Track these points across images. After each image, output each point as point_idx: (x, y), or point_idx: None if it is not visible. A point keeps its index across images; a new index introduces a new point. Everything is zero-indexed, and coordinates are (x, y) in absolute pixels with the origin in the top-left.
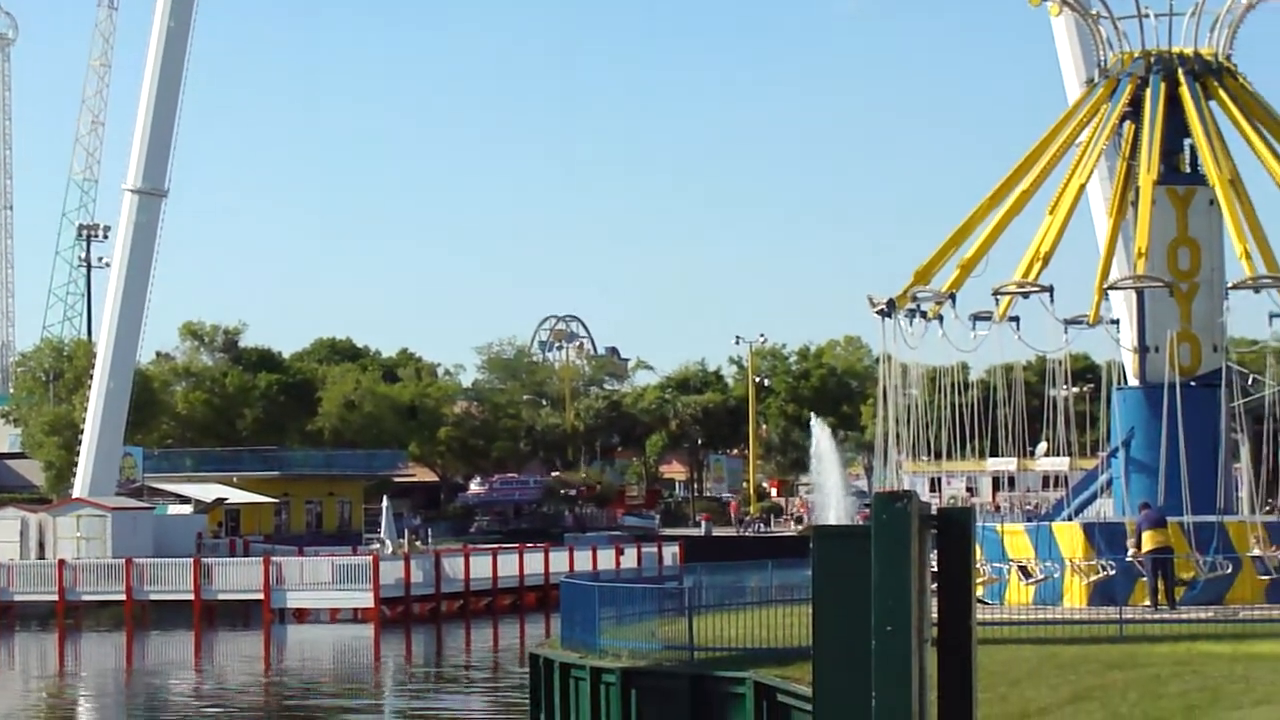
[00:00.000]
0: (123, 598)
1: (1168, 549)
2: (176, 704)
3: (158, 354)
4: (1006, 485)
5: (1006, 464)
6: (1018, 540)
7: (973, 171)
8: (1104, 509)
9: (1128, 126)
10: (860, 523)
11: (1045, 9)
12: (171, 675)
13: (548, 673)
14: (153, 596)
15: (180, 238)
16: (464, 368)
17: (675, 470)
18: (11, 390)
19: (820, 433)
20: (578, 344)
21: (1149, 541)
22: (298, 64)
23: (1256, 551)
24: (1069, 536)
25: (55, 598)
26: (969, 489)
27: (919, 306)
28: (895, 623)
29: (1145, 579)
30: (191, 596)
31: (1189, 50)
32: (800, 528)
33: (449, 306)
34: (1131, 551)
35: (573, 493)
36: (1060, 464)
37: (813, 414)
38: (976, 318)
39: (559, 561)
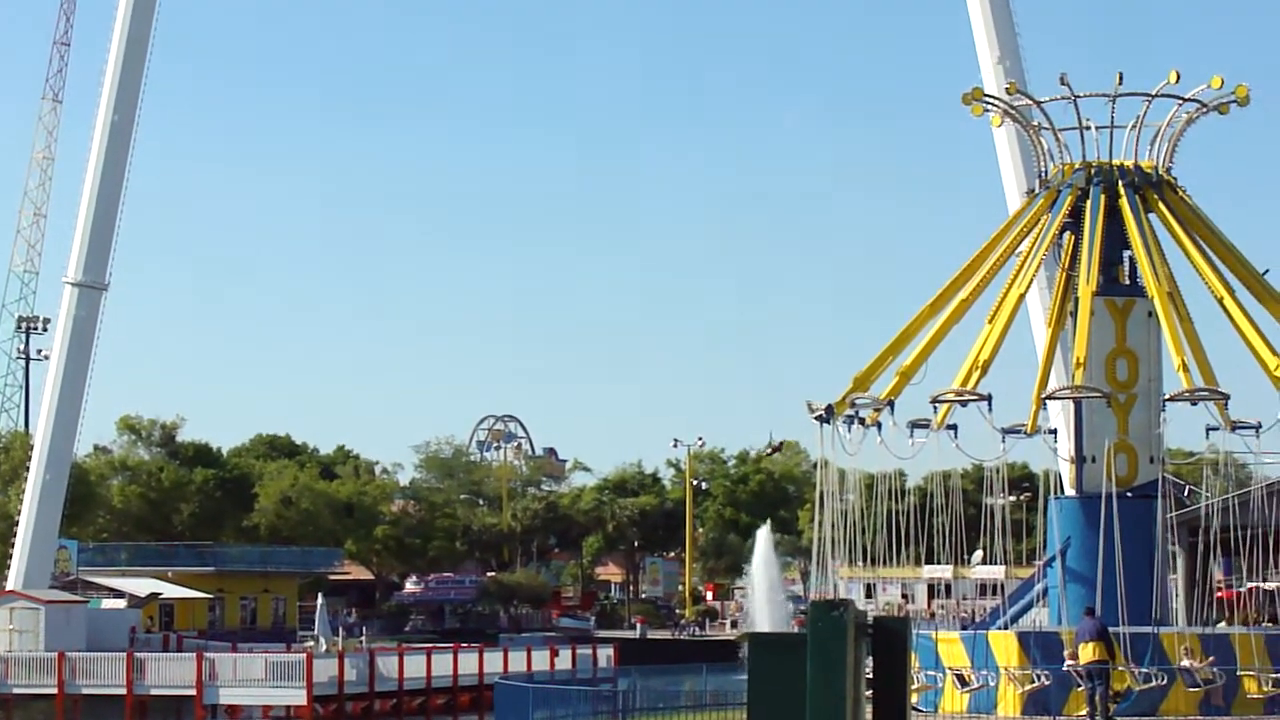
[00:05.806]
0: (55, 691)
1: (1105, 661)
2: None
3: (95, 447)
4: (942, 592)
5: (943, 571)
6: (953, 648)
7: (912, 279)
8: (1040, 618)
9: (1068, 237)
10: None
11: (987, 119)
12: None
13: None
14: (85, 691)
15: (120, 331)
16: (402, 466)
17: (611, 572)
18: None
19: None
20: (516, 444)
21: (1088, 653)
22: (238, 158)
23: (1186, 663)
24: (1004, 645)
25: None
26: (904, 596)
27: (857, 413)
28: None
29: (1083, 688)
30: (124, 691)
31: (1129, 162)
32: (736, 632)
33: (388, 405)
34: (1068, 661)
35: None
36: (996, 572)
37: (759, 521)
38: (914, 425)
39: (494, 662)
